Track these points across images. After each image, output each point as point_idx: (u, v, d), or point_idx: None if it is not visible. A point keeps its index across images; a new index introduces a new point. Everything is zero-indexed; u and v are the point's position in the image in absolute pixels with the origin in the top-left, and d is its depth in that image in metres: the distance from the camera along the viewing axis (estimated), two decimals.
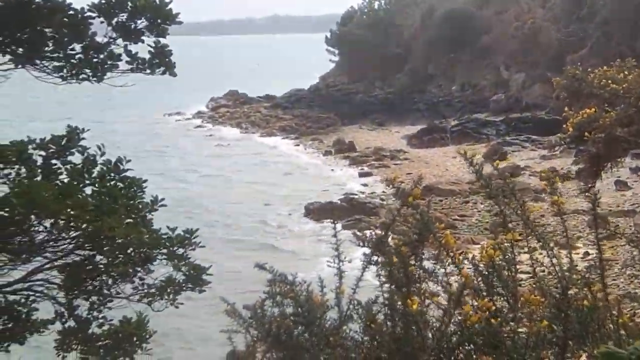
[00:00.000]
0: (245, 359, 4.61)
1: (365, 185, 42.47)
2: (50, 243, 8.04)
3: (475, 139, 50.25)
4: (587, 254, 21.50)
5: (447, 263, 4.47)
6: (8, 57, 8.01)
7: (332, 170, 47.63)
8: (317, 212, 36.48)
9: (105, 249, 8.08)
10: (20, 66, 8.01)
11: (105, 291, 8.43)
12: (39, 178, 8.24)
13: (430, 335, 4.21)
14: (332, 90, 73.67)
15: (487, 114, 56.47)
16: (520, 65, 58.18)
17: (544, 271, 4.60)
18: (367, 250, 4.74)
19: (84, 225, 7.69)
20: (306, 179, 44.84)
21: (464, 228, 31.10)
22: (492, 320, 4.01)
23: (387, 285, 4.61)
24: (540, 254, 4.60)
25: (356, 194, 39.43)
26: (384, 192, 39.67)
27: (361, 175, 45.18)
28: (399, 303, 4.34)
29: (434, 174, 41.63)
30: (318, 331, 4.45)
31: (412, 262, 4.53)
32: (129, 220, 8.14)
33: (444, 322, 4.16)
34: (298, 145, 57.86)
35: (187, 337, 21.92)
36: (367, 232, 4.89)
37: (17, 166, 8.20)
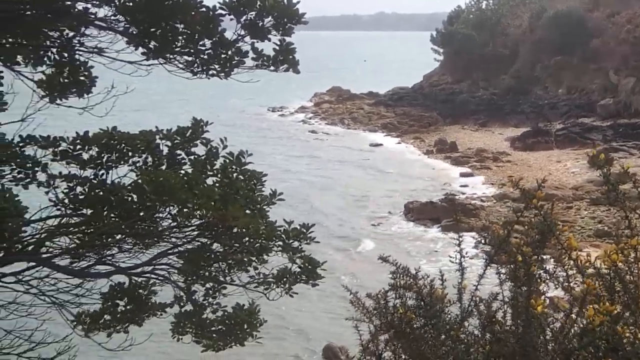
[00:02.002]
0: (368, 348, 4.83)
1: (465, 185, 42.34)
2: (174, 230, 8.41)
3: (580, 144, 49.29)
4: None
5: (570, 265, 4.56)
6: (141, 50, 8.38)
7: (433, 169, 47.53)
8: (416, 211, 36.61)
9: (223, 237, 8.43)
10: (152, 60, 8.37)
11: (221, 278, 8.77)
12: (164, 167, 8.65)
13: (551, 335, 4.32)
14: (436, 89, 73.39)
15: (593, 119, 55.33)
16: (631, 70, 56.60)
17: None
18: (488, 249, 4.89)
19: (208, 214, 8.02)
20: (406, 178, 44.92)
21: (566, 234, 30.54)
22: (615, 325, 4.10)
23: (508, 283, 4.75)
24: None
25: (457, 195, 39.26)
26: (484, 193, 39.47)
27: (462, 175, 45.07)
28: (521, 302, 4.46)
29: (537, 178, 40.94)
30: (440, 325, 4.62)
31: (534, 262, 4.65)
32: (247, 211, 8.42)
33: (566, 324, 4.27)
34: (399, 143, 57.94)
35: (280, 329, 22.29)
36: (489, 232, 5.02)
37: (144, 155, 8.62)
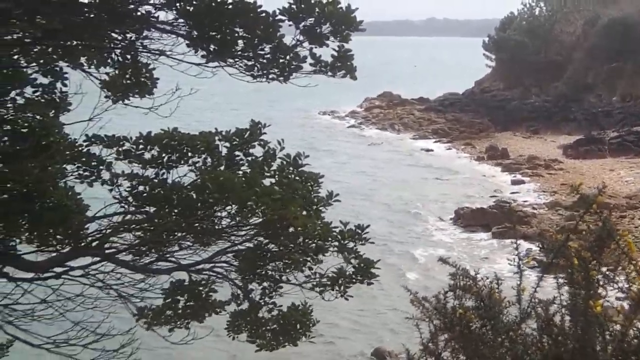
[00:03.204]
0: (427, 348, 4.92)
1: (516, 192, 41.86)
2: (233, 229, 8.59)
3: (635, 153, 48.35)
4: None
5: (630, 270, 4.60)
6: (201, 53, 8.55)
7: (484, 176, 47.13)
8: (467, 217, 36.31)
9: (280, 237, 8.57)
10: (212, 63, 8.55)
11: (277, 277, 8.92)
12: (222, 167, 8.82)
13: (610, 337, 4.38)
14: (487, 96, 72.74)
15: None
16: None
17: None
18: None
19: (269, 213, 8.18)
20: (456, 184, 44.60)
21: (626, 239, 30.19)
22: None
23: (565, 288, 4.81)
24: None
25: (508, 202, 38.91)
26: (536, 201, 39.15)
27: (513, 182, 44.53)
28: (580, 304, 4.52)
29: (590, 186, 40.49)
30: (499, 325, 4.70)
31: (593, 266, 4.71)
32: (304, 212, 8.56)
33: (625, 326, 4.32)
34: (450, 149, 57.59)
35: (330, 329, 22.31)
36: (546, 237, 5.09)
37: (204, 155, 8.80)
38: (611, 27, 62.96)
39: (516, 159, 50.31)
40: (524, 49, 69.55)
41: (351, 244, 8.71)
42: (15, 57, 8.33)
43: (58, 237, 8.65)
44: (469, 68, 78.58)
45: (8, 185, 8.39)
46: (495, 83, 75.44)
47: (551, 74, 67.32)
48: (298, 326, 8.91)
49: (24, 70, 8.39)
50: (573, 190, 5.08)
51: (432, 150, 57.04)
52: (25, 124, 8.19)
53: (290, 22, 8.29)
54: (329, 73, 8.52)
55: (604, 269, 4.82)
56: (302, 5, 8.22)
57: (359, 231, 8.69)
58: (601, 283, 4.69)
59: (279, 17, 8.22)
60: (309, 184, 8.78)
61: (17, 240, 8.75)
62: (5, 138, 8.27)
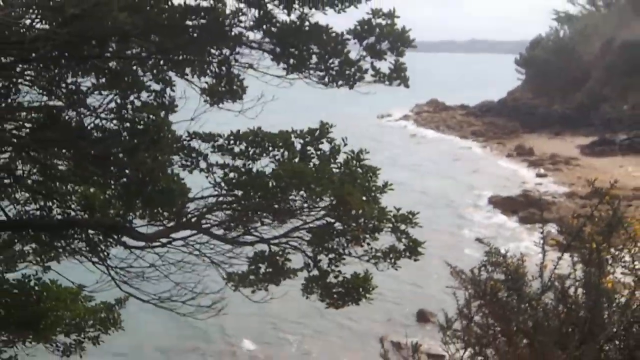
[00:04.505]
0: (462, 312, 4.87)
1: (540, 184, 41.22)
2: (305, 210, 8.59)
3: None
4: None
5: (636, 250, 4.49)
6: (282, 66, 8.56)
7: (513, 169, 46.59)
8: (498, 203, 36.07)
9: (343, 217, 8.55)
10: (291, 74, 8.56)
11: (341, 250, 8.89)
12: (297, 160, 8.82)
13: (616, 308, 4.27)
14: (518, 104, 71.41)
15: None
16: None
17: None
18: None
19: (332, 197, 8.17)
20: (490, 175, 44.03)
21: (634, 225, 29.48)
22: None
23: (579, 265, 4.71)
24: None
25: (532, 192, 38.38)
26: (556, 191, 38.55)
27: (537, 175, 43.92)
28: (593, 280, 4.42)
29: (601, 180, 39.49)
30: (523, 295, 4.62)
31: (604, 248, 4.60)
32: (363, 198, 8.52)
33: (630, 299, 4.21)
34: (485, 147, 56.83)
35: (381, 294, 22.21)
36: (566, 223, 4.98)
37: (282, 150, 8.82)
38: (624, 48, 61.21)
39: (540, 156, 49.43)
40: (550, 65, 68.01)
41: (403, 226, 8.62)
42: (134, 68, 8.45)
43: (165, 214, 8.76)
44: (503, 81, 77.10)
45: (127, 172, 8.54)
46: (525, 93, 73.90)
47: (573, 86, 65.68)
48: (360, 290, 8.84)
49: (141, 78, 8.51)
50: (589, 184, 4.97)
51: (470, 148, 56.41)
52: (142, 123, 8.29)
53: (355, 41, 8.26)
54: (387, 82, 8.45)
55: (612, 250, 4.72)
56: (365, 27, 8.18)
57: (410, 216, 8.60)
58: (610, 262, 4.60)
59: (346, 36, 8.20)
60: (368, 174, 8.71)
61: (133, 216, 8.91)
62: (125, 134, 8.39)
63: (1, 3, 6.52)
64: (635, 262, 4.53)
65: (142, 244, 8.89)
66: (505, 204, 35.87)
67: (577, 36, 71.72)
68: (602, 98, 62.92)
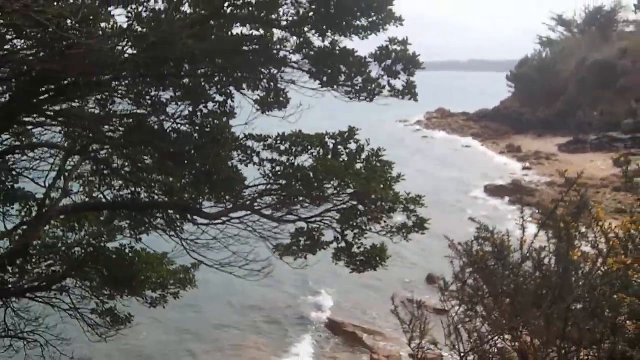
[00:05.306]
0: (458, 277, 4.81)
1: (526, 175, 40.82)
2: (335, 195, 8.55)
3: (608, 149, 46.22)
4: None
5: (598, 230, 4.38)
6: (317, 82, 8.51)
7: (504, 164, 46.19)
8: (492, 190, 35.87)
9: (365, 201, 8.49)
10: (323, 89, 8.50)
11: (363, 227, 8.83)
12: (329, 156, 8.77)
13: (582, 275, 4.18)
14: (509, 111, 70.10)
15: (618, 133, 51.45)
16: None
17: None
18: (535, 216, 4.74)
19: (356, 187, 8.11)
20: (486, 168, 43.72)
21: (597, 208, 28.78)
22: (627, 271, 3.92)
23: (553, 240, 4.61)
24: None
25: (519, 181, 37.98)
26: (538, 180, 38.05)
27: (524, 168, 43.64)
28: (562, 253, 4.32)
29: (575, 172, 38.48)
30: (506, 264, 4.54)
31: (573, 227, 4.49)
32: (382, 186, 8.45)
33: (593, 269, 4.11)
34: (482, 145, 56.24)
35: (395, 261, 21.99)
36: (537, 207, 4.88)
37: (318, 148, 8.78)
38: (594, 66, 59.83)
39: (526, 153, 48.91)
40: (535, 81, 66.64)
41: (412, 207, 8.54)
42: (202, 84, 8.48)
43: (226, 198, 8.81)
44: (496, 93, 75.82)
45: (197, 165, 8.60)
46: (514, 103, 72.34)
47: (553, 97, 64.20)
48: (377, 258, 8.80)
49: (208, 92, 8.54)
50: (561, 175, 4.86)
51: (470, 146, 55.88)
52: (208, 126, 8.34)
53: (376, 62, 8.21)
54: (400, 97, 8.39)
55: (580, 228, 4.61)
56: (384, 52, 8.12)
57: (418, 199, 8.52)
58: (577, 238, 4.50)
59: (368, 59, 8.15)
60: (385, 167, 8.63)
61: (201, 199, 8.97)
62: (196, 135, 8.44)
63: (100, 33, 6.56)
64: (598, 238, 4.42)
65: (207, 221, 8.94)
66: (497, 191, 35.70)
67: (556, 57, 70.09)
68: (577, 106, 61.44)
